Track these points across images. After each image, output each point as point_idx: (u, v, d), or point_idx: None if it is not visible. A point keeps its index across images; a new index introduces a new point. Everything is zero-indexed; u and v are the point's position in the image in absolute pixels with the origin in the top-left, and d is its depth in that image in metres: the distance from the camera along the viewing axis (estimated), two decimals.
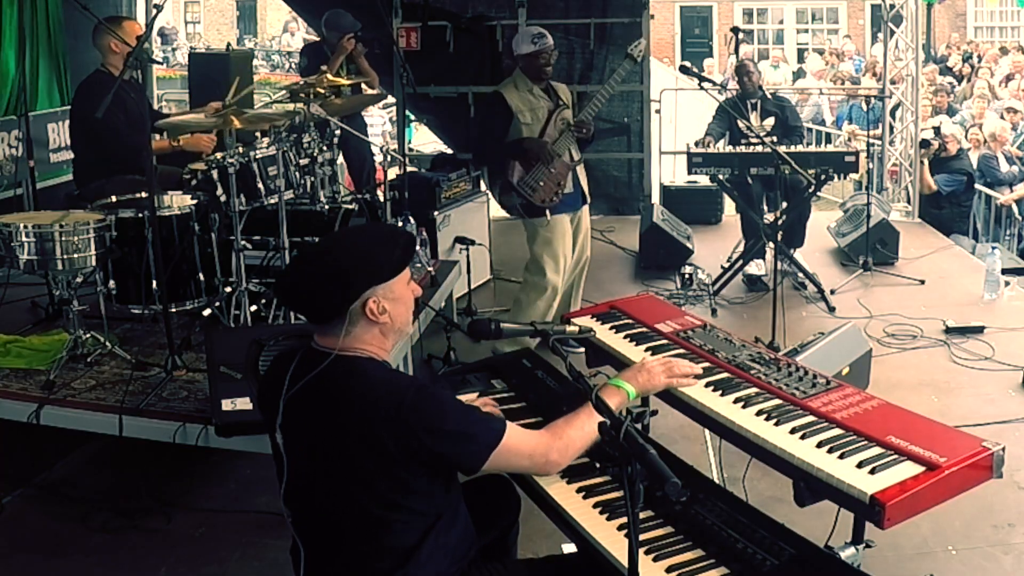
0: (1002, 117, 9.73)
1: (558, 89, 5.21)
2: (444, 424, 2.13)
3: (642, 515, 2.26)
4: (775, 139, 6.12)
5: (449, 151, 8.47)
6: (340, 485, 2.16)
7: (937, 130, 8.54)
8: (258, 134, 4.73)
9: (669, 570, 2.11)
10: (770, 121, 6.45)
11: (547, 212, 5.07)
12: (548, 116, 5.08)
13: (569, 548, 3.08)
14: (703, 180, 7.34)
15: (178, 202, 4.57)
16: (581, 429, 2.26)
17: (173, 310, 4.33)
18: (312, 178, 4.57)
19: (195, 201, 4.53)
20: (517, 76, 5.14)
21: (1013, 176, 8.48)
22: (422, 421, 2.10)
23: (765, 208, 6.44)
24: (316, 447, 2.19)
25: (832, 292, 6.17)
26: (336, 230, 2.46)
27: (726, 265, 6.46)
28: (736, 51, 7.60)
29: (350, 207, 4.87)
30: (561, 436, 2.27)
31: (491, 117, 5.15)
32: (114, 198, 4.53)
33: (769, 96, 6.80)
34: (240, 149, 4.32)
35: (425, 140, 11.05)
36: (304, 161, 4.51)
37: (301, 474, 2.23)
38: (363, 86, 6.67)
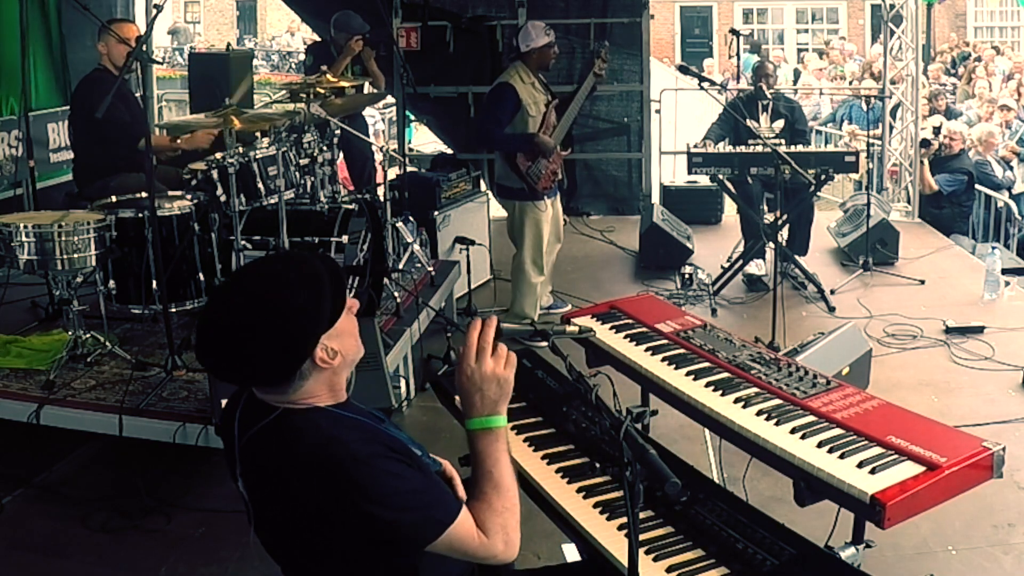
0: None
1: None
2: (384, 494, 1.85)
3: (642, 515, 2.25)
4: (783, 142, 6.11)
5: (449, 151, 8.46)
6: (300, 546, 1.98)
7: (937, 130, 8.51)
8: (258, 134, 4.73)
9: (669, 570, 2.11)
10: (780, 123, 6.44)
11: (544, 197, 5.46)
12: (546, 107, 5.35)
13: (569, 548, 3.09)
14: (703, 180, 7.34)
15: (178, 202, 4.57)
16: (504, 492, 1.97)
17: (173, 310, 4.34)
18: (312, 178, 4.58)
19: (195, 201, 4.53)
20: (520, 68, 5.33)
21: (1011, 181, 8.46)
22: (358, 490, 1.84)
23: (765, 208, 6.44)
24: (269, 503, 1.98)
25: (832, 292, 6.16)
26: (240, 287, 1.77)
27: (726, 265, 6.46)
28: (737, 54, 7.59)
29: (350, 207, 4.88)
30: (498, 529, 1.95)
31: (500, 106, 5.32)
32: (114, 198, 4.53)
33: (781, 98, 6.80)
34: (240, 149, 4.32)
35: (425, 140, 11.03)
36: (304, 161, 4.52)
37: (265, 521, 2.02)
38: (366, 86, 6.66)
